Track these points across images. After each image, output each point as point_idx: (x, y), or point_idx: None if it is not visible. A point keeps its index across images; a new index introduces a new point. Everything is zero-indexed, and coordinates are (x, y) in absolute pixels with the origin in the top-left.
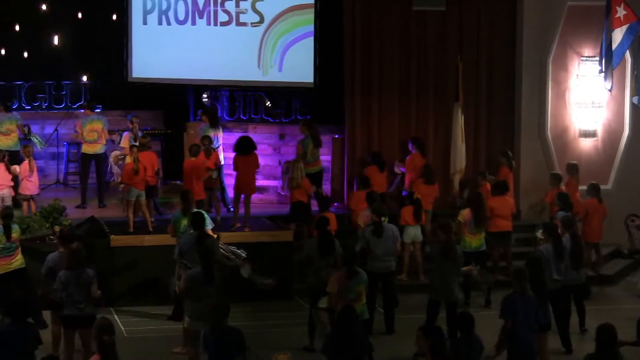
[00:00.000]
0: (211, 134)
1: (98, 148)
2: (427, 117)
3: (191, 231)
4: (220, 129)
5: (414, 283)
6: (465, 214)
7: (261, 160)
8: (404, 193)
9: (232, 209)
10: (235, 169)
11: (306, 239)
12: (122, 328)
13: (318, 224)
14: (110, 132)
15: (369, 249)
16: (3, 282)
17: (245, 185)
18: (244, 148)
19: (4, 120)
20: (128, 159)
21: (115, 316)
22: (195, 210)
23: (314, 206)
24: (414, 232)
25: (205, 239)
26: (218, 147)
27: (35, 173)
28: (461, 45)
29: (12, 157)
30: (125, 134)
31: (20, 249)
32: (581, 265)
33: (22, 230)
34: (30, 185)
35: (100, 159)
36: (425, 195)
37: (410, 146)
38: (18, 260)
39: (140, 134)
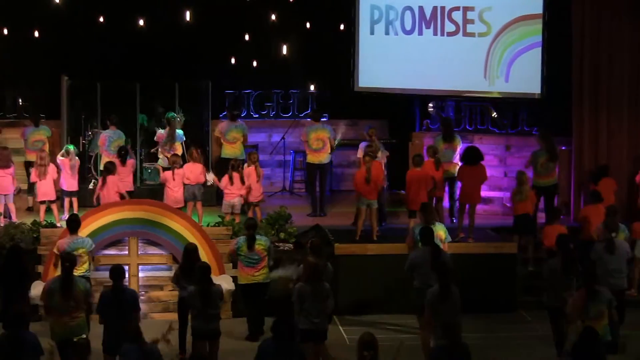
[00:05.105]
0: (442, 146)
1: (323, 158)
2: None
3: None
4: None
5: None
6: None
7: (487, 172)
8: None
9: (455, 220)
10: (459, 178)
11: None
12: (345, 336)
13: (561, 242)
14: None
15: (600, 265)
16: (249, 292)
17: (468, 195)
18: (470, 158)
19: (231, 128)
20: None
21: (339, 324)
22: (424, 225)
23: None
24: None
25: (439, 254)
26: (451, 160)
27: (260, 180)
28: None
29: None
30: (363, 145)
31: (266, 262)
32: None
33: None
34: (253, 192)
35: (325, 169)
36: None
37: None
38: (263, 274)
39: (382, 146)
